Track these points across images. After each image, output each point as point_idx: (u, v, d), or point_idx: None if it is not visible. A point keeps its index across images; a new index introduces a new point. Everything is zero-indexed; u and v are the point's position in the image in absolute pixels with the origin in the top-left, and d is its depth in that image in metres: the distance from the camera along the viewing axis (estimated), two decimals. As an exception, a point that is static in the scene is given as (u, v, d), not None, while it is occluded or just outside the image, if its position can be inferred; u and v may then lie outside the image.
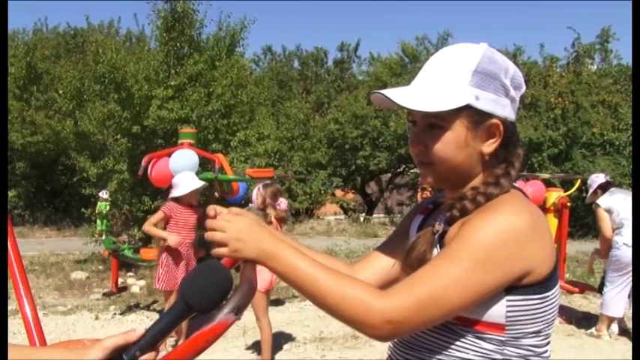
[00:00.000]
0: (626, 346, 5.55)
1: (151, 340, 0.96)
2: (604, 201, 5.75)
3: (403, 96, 1.10)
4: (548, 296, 1.07)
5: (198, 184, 5.12)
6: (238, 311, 0.94)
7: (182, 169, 5.63)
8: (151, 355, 0.95)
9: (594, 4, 50.66)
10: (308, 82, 25.26)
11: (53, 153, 16.66)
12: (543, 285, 1.06)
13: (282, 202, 4.77)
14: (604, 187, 5.90)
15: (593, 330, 5.89)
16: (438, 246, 1.14)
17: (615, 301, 5.72)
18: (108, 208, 10.71)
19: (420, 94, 1.10)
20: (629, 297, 5.74)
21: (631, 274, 5.64)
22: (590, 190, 6.04)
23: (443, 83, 1.10)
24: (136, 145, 10.16)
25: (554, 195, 6.79)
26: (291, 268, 1.04)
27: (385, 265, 1.30)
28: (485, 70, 1.10)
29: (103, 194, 10.83)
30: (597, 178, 6.03)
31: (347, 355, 5.27)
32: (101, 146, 11.05)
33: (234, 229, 1.05)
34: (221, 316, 0.92)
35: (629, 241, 5.53)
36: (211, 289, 0.96)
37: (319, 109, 23.15)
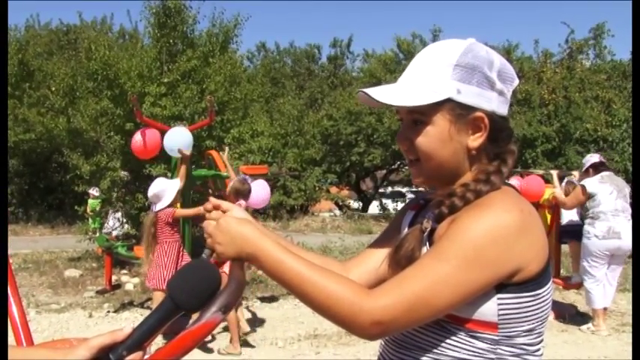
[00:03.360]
0: (619, 341, 5.58)
1: (139, 339, 0.95)
2: (591, 185, 5.72)
3: (384, 93, 1.09)
4: (540, 294, 1.06)
5: (176, 185, 5.29)
6: (226, 310, 0.93)
7: (176, 146, 5.83)
8: (138, 354, 0.94)
9: (588, 3, 50.73)
10: (301, 79, 25.22)
11: (46, 150, 16.57)
12: (535, 282, 1.04)
13: (242, 204, 4.89)
14: (596, 167, 5.87)
15: (590, 325, 5.91)
16: (427, 244, 1.12)
17: (596, 293, 5.76)
18: (99, 205, 10.67)
19: (402, 91, 1.10)
20: (624, 290, 5.81)
21: (606, 265, 5.71)
22: (582, 169, 6.01)
23: (425, 78, 1.10)
24: (129, 142, 10.10)
25: (548, 191, 6.80)
26: (277, 267, 1.03)
27: (377, 263, 1.28)
28: (466, 64, 1.09)
29: (94, 191, 10.78)
30: (591, 158, 5.99)
31: (341, 352, 5.27)
32: (94, 143, 10.98)
33: (217, 231, 1.07)
34: (208, 315, 0.91)
35: (600, 234, 5.60)
36: (199, 287, 0.95)
37: (312, 106, 23.13)
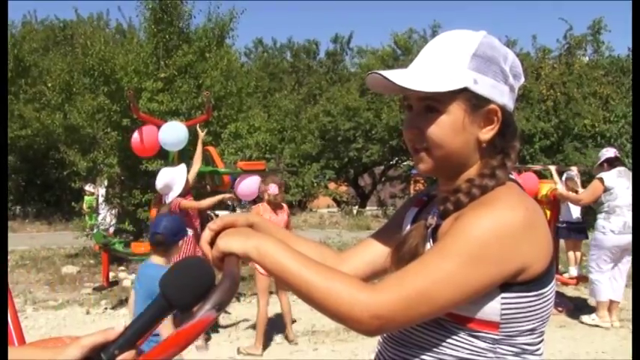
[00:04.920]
0: (617, 337, 5.58)
1: (131, 338, 0.92)
2: (609, 178, 5.71)
3: (400, 76, 1.05)
4: (543, 293, 1.04)
5: (184, 172, 5.19)
6: (220, 307, 0.90)
7: (172, 141, 5.82)
8: (130, 353, 0.92)
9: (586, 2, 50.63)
10: (300, 74, 25.17)
11: (43, 147, 16.55)
12: (539, 282, 1.02)
13: (271, 187, 5.01)
14: (611, 162, 5.88)
15: (594, 316, 5.88)
16: (431, 240, 1.10)
17: (602, 286, 5.75)
18: (95, 202, 10.65)
19: (417, 75, 1.06)
20: (626, 285, 5.81)
21: (616, 259, 5.70)
22: (597, 162, 6.08)
23: (441, 65, 1.07)
24: (126, 138, 10.06)
25: (547, 187, 6.80)
26: (277, 262, 1.01)
27: (374, 255, 1.26)
28: (484, 55, 1.07)
29: (90, 188, 10.75)
30: (607, 152, 6.02)
31: (339, 349, 5.26)
32: (91, 140, 10.95)
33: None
34: (202, 313, 0.89)
35: (616, 229, 5.59)
36: (192, 285, 0.92)
37: (310, 101, 23.10)
